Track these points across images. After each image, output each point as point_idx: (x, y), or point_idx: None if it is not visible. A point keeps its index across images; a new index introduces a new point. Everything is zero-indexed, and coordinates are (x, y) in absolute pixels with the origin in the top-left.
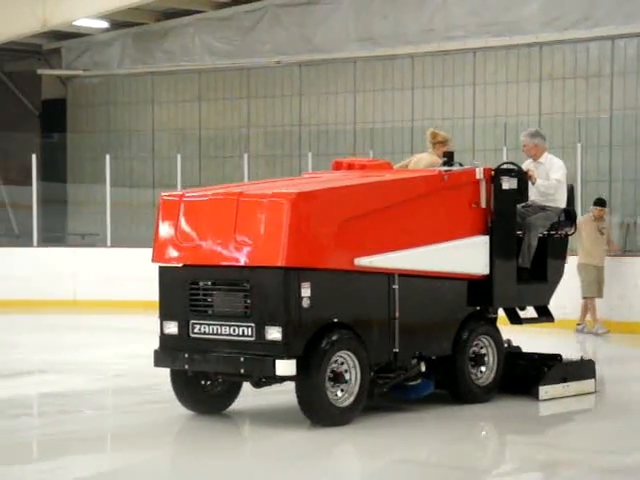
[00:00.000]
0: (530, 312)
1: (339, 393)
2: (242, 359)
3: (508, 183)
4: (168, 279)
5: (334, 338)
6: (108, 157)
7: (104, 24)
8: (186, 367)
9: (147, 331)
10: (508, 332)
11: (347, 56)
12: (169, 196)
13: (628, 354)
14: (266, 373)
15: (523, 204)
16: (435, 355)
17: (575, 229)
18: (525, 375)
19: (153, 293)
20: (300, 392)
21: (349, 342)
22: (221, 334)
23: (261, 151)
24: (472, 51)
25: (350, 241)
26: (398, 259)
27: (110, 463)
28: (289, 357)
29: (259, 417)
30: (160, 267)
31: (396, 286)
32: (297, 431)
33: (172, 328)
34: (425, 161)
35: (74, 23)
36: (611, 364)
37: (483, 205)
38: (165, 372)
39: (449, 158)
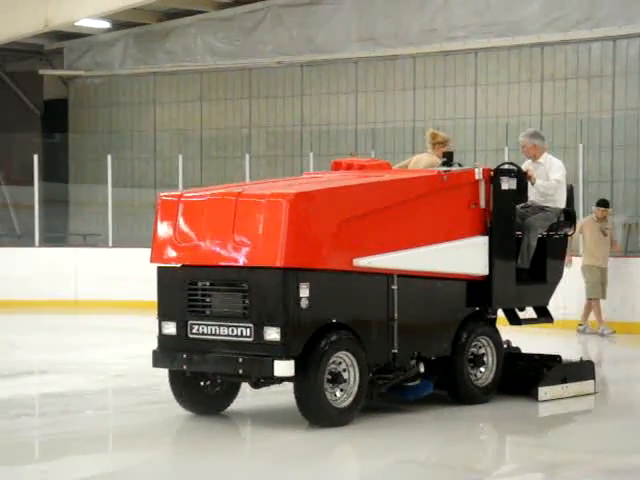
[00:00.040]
0: (529, 313)
1: (338, 394)
2: (240, 360)
3: (507, 183)
4: (166, 279)
5: (333, 339)
6: (110, 157)
7: (106, 24)
8: (184, 368)
9: (148, 331)
10: (508, 333)
11: (349, 56)
12: (168, 196)
13: (631, 355)
14: (264, 374)
15: (522, 204)
16: (434, 356)
17: (575, 230)
18: (524, 376)
19: (154, 293)
20: (298, 393)
21: (348, 343)
22: (219, 334)
23: (263, 151)
24: (474, 51)
25: (349, 241)
26: (397, 259)
27: (110, 463)
28: (287, 358)
29: (258, 418)
30: (158, 267)
31: (395, 287)
32: (296, 432)
33: (170, 328)
34: (425, 161)
35: (76, 23)
36: (613, 365)
37: (482, 205)
38: (165, 372)
39: (448, 158)
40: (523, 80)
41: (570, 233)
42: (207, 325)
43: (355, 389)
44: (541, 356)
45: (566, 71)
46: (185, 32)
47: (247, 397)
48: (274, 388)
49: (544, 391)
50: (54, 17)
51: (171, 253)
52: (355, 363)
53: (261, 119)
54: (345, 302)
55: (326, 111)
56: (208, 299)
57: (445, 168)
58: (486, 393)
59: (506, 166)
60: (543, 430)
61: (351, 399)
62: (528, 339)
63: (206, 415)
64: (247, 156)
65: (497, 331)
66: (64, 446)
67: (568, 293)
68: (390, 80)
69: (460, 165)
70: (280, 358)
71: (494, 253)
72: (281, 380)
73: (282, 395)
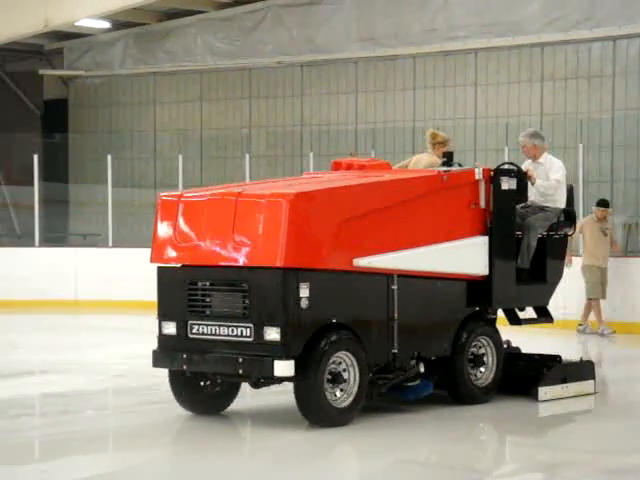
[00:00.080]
0: (529, 313)
1: (338, 394)
2: (240, 360)
3: (507, 183)
4: (166, 279)
5: (333, 339)
6: (110, 157)
7: (106, 24)
8: (184, 368)
9: (148, 331)
10: (508, 333)
11: (349, 56)
12: (167, 196)
13: (631, 355)
14: (264, 374)
15: (522, 204)
16: (434, 356)
17: (574, 230)
18: (524, 376)
19: (154, 293)
20: (298, 393)
21: (348, 343)
22: (219, 334)
23: (263, 151)
24: (474, 51)
25: (349, 241)
26: (397, 259)
27: (110, 463)
28: (287, 358)
29: (258, 418)
30: (158, 267)
31: (395, 287)
32: (296, 432)
33: (170, 328)
34: (425, 161)
35: (76, 23)
36: (613, 365)
37: (482, 205)
38: (165, 372)
39: (448, 158)
40: (523, 80)
41: (570, 233)
42: (207, 325)
43: (355, 389)
44: (541, 356)
45: (566, 71)
46: (185, 32)
47: (247, 397)
48: (274, 388)
49: (544, 391)
50: (54, 17)
51: (171, 253)
52: (355, 363)
53: (261, 119)
54: (345, 302)
55: (326, 111)
56: (208, 299)
57: (445, 168)
58: (486, 393)
59: (506, 166)
60: (543, 430)
61: (351, 399)
62: (528, 339)
63: (206, 415)
64: (247, 156)
65: (497, 331)
66: (64, 446)
67: (568, 293)
68: (390, 80)
69: (460, 165)
70: (280, 358)
71: (494, 253)
72: (281, 380)
73: (282, 395)
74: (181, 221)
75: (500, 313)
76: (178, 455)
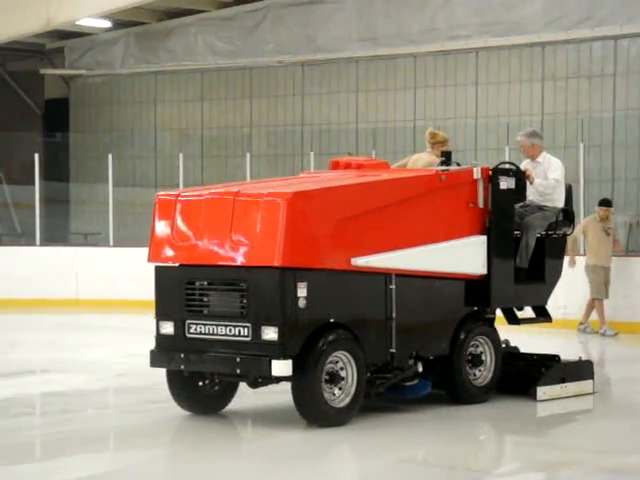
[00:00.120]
0: (528, 312)
1: (336, 393)
2: (238, 359)
3: (506, 183)
4: (164, 279)
5: (330, 338)
6: (111, 156)
7: (107, 23)
8: (182, 367)
9: (148, 331)
10: (509, 332)
11: (349, 56)
12: (165, 195)
13: (632, 354)
14: (262, 373)
15: (521, 204)
16: (432, 355)
17: (573, 229)
18: (523, 375)
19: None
20: (296, 392)
21: (346, 342)
22: (217, 334)
23: (263, 151)
24: (474, 51)
25: (347, 241)
26: (395, 259)
27: (111, 462)
28: (285, 357)
29: (256, 417)
30: (156, 267)
31: (393, 286)
32: (294, 431)
33: (168, 328)
34: (423, 161)
35: (77, 22)
36: (614, 364)
37: (481, 205)
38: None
39: (447, 158)
40: (524, 79)
41: (569, 232)
42: (205, 325)
43: (353, 389)
44: (540, 356)
45: (567, 70)
46: (186, 31)
47: (245, 397)
48: (272, 388)
49: (543, 391)
50: (55, 16)
51: (169, 252)
52: (353, 363)
53: (262, 118)
54: (343, 302)
55: (327, 110)
56: (206, 299)
57: (443, 167)
58: (484, 393)
59: (505, 165)
60: (542, 430)
61: (349, 399)
62: (528, 339)
63: (205, 415)
64: (248, 155)
65: (495, 331)
66: (64, 445)
67: (568, 292)
68: (391, 79)
69: (458, 164)
70: (278, 358)
71: (492, 252)
72: (279, 380)
73: (280, 395)
74: (179, 220)
75: (499, 313)
76: (178, 454)
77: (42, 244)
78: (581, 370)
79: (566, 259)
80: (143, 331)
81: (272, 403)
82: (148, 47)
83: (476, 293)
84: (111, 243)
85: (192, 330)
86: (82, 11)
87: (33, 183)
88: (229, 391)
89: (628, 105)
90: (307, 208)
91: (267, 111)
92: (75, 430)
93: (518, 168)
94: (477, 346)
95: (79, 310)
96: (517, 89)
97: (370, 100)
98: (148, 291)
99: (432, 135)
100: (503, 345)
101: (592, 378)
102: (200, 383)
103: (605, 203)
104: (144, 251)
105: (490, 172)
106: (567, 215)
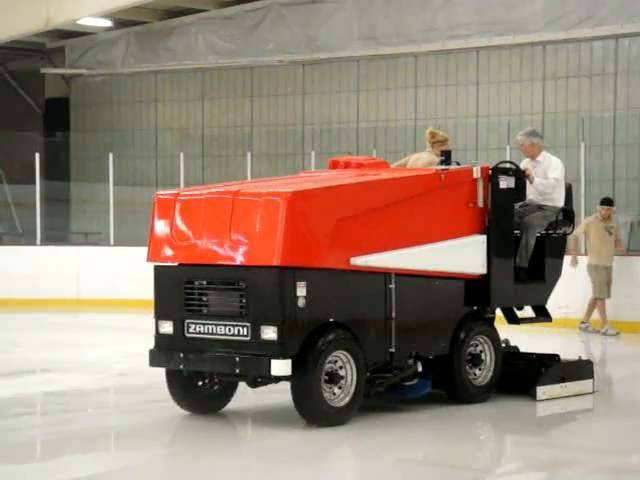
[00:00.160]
0: (528, 312)
1: (335, 393)
2: (237, 359)
3: (506, 182)
4: (163, 278)
5: (330, 338)
6: (111, 156)
7: (108, 23)
8: (181, 367)
9: (149, 330)
10: (509, 332)
11: (350, 55)
12: (164, 195)
13: (633, 354)
14: (261, 373)
15: (521, 203)
16: (432, 355)
17: (573, 228)
18: (523, 375)
19: None
20: (296, 392)
21: (345, 342)
22: (216, 334)
23: (264, 150)
24: (475, 50)
25: (346, 240)
26: (395, 258)
27: (111, 462)
28: (284, 357)
29: (255, 417)
30: (155, 266)
31: (392, 286)
32: (293, 431)
33: (167, 328)
34: (423, 160)
35: (78, 22)
36: (616, 364)
37: (480, 204)
38: None
39: (446, 157)
40: (525, 79)
41: (569, 232)
42: (204, 324)
43: (352, 388)
44: (539, 355)
45: (568, 70)
46: (187, 30)
47: (245, 396)
48: (271, 387)
49: (542, 390)
50: (56, 15)
51: (168, 252)
52: (352, 362)
53: (262, 117)
54: (342, 301)
55: (327, 109)
56: (205, 298)
57: (443, 167)
58: (484, 392)
59: (505, 165)
60: (542, 429)
61: (348, 398)
62: (528, 338)
63: (204, 414)
64: (249, 155)
65: (495, 330)
66: (65, 445)
67: (569, 292)
68: (392, 79)
69: (458, 164)
70: (277, 357)
71: (492, 252)
72: (278, 379)
73: (279, 394)
74: (178, 220)
75: (498, 312)
76: (178, 454)
77: (43, 243)
78: (581, 369)
79: (568, 259)
80: (144, 330)
81: (271, 403)
82: (149, 46)
83: (476, 293)
84: (112, 242)
85: (191, 330)
86: (82, 10)
87: (34, 182)
88: (228, 391)
89: (629, 104)
90: (306, 207)
91: (268, 110)
92: (75, 430)
93: (518, 167)
94: (477, 346)
95: (80, 309)
96: (518, 88)
97: (371, 99)
98: (149, 290)
99: (432, 134)
100: (503, 345)
101: (592, 377)
102: (199, 383)
103: (607, 202)
104: (145, 250)
105: (490, 171)
106: (567, 214)
